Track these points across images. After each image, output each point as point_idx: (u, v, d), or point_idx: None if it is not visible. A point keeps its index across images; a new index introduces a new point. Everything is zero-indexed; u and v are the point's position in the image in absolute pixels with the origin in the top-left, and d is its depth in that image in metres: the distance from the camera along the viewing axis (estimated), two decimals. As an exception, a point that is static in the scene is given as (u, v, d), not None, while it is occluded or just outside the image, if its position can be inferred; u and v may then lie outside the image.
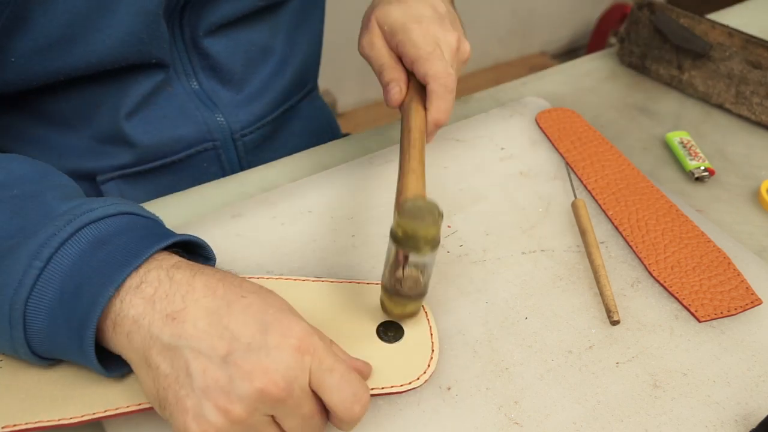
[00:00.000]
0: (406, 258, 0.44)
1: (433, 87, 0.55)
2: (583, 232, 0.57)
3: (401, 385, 0.45)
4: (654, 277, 0.55)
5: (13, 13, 0.51)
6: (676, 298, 0.53)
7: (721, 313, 0.52)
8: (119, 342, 0.40)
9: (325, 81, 0.89)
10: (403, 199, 0.47)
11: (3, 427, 0.41)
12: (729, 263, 0.56)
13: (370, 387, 0.44)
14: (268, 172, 0.64)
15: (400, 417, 0.45)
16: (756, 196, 0.65)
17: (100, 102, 0.61)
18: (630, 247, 0.57)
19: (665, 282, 0.54)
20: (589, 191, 0.62)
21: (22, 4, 0.51)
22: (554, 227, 0.59)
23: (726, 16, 0.89)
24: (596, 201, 0.61)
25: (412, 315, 0.48)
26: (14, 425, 0.41)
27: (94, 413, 0.42)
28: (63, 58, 0.55)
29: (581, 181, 0.63)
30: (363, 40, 0.59)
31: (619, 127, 0.72)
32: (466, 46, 0.59)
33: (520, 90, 0.77)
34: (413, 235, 0.42)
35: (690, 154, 0.67)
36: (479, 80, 1.97)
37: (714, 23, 0.74)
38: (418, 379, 0.46)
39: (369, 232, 0.57)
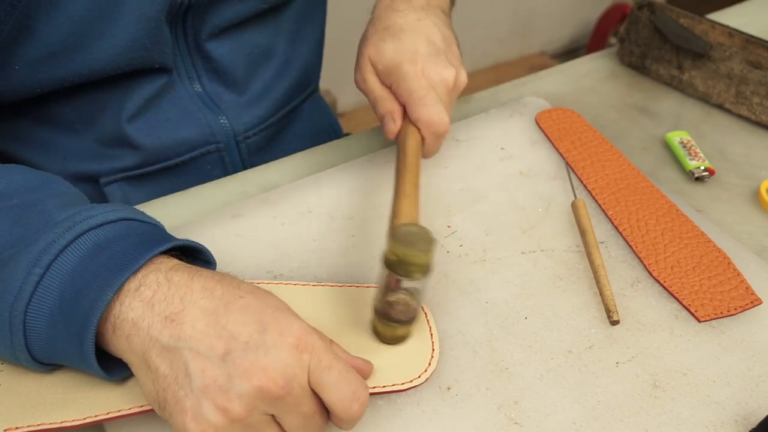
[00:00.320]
0: (398, 282, 0.44)
1: (425, 133, 0.57)
2: (583, 232, 0.57)
3: (402, 384, 0.45)
4: (654, 277, 0.55)
5: (17, 22, 0.51)
6: (676, 298, 0.53)
7: (721, 313, 0.52)
8: (119, 345, 0.40)
9: (325, 81, 0.89)
10: (396, 224, 0.47)
11: (5, 430, 0.41)
12: (729, 263, 0.56)
13: (371, 386, 0.44)
14: (268, 172, 0.64)
15: (400, 417, 0.45)
16: (756, 196, 0.65)
17: (104, 106, 0.61)
18: (630, 247, 0.57)
19: (665, 282, 0.54)
20: (589, 191, 0.62)
21: (26, 13, 0.51)
22: (554, 227, 0.59)
23: (726, 16, 0.89)
24: (596, 201, 0.62)
25: (403, 339, 0.48)
26: (16, 428, 0.41)
27: (95, 415, 0.42)
28: (66, 66, 0.55)
29: (581, 181, 0.63)
30: (357, 75, 0.61)
31: (619, 127, 0.72)
32: (463, 77, 0.59)
33: (520, 90, 0.77)
34: (405, 261, 0.42)
35: (690, 154, 0.67)
36: (479, 80, 1.97)
37: (714, 23, 0.74)
38: (419, 377, 0.46)
39: (369, 232, 0.57)
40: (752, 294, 0.53)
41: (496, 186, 0.62)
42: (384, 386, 0.45)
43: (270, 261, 0.54)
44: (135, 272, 0.40)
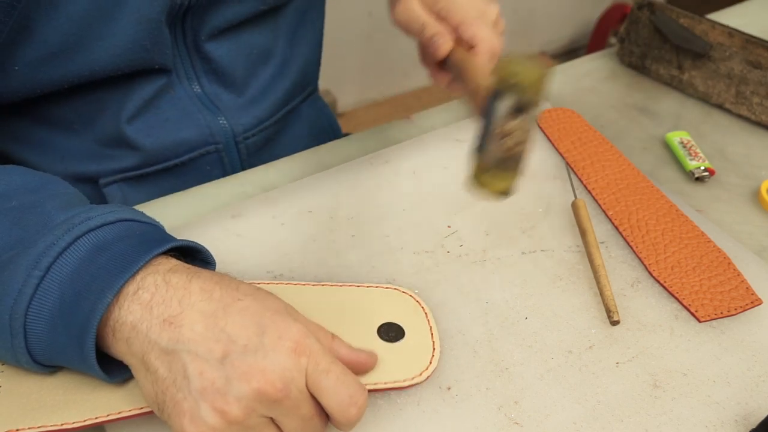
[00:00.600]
0: (513, 112, 0.42)
1: (481, 49, 0.54)
2: (583, 232, 0.57)
3: (404, 380, 0.45)
4: (654, 277, 0.55)
5: (17, 23, 0.51)
6: (676, 298, 0.53)
7: (721, 313, 0.52)
8: (119, 348, 0.40)
9: (325, 81, 0.89)
10: (503, 57, 0.45)
11: None
12: (729, 263, 0.56)
13: (373, 382, 0.44)
14: (268, 172, 0.64)
15: (400, 417, 0.45)
16: (756, 196, 0.65)
17: (103, 107, 0.61)
18: (630, 247, 0.57)
19: (665, 282, 0.54)
20: (589, 191, 0.62)
21: (25, 14, 0.51)
22: (554, 227, 0.59)
23: (726, 16, 0.89)
24: (596, 201, 0.61)
25: (509, 191, 0.45)
26: (17, 430, 0.41)
27: (96, 417, 0.42)
28: (66, 66, 0.55)
29: (581, 181, 0.63)
30: (398, 8, 0.59)
31: (619, 127, 0.72)
32: (503, 21, 0.60)
33: (520, 90, 0.76)
34: (521, 77, 0.41)
35: (690, 154, 0.67)
36: (479, 80, 1.97)
37: (714, 23, 0.74)
38: (420, 374, 0.46)
39: (369, 232, 0.57)
40: (752, 294, 0.53)
41: (496, 186, 0.62)
42: (386, 383, 0.45)
43: (270, 261, 0.54)
44: (134, 275, 0.40)
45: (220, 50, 0.65)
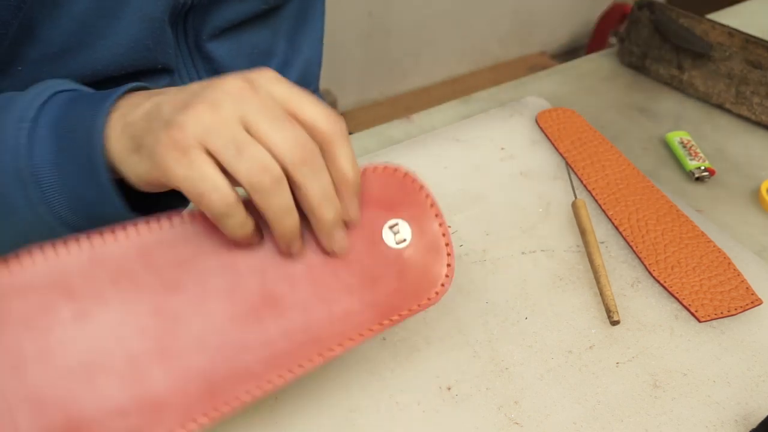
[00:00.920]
0: None
1: None
2: (583, 232, 0.57)
3: (428, 299, 0.40)
4: (654, 277, 0.55)
5: (21, 24, 0.51)
6: (676, 298, 0.53)
7: (721, 313, 0.52)
8: (117, 145, 0.40)
9: (325, 81, 0.90)
10: None
11: None
12: (729, 263, 0.56)
13: (398, 313, 0.40)
14: (268, 172, 0.64)
15: (400, 417, 0.45)
16: (756, 196, 0.65)
17: None
18: (630, 247, 0.57)
19: (665, 282, 0.54)
20: (589, 191, 0.62)
21: (29, 14, 0.51)
22: (554, 227, 0.59)
23: (726, 16, 0.89)
24: (596, 201, 0.62)
25: None
26: None
27: None
28: (69, 66, 0.55)
29: (581, 181, 0.63)
30: None
31: (619, 127, 0.72)
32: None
33: (520, 90, 0.77)
34: None
35: (690, 154, 0.67)
36: (479, 80, 1.97)
37: (714, 23, 0.74)
38: (443, 286, 0.41)
39: (369, 232, 0.57)
40: (752, 294, 0.53)
41: (496, 186, 0.62)
42: (410, 310, 0.40)
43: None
44: (114, 101, 0.42)
45: (221, 50, 0.65)
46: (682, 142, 0.68)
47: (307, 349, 0.37)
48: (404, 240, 0.41)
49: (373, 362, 0.48)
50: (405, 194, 0.42)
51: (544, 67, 0.98)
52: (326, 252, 0.40)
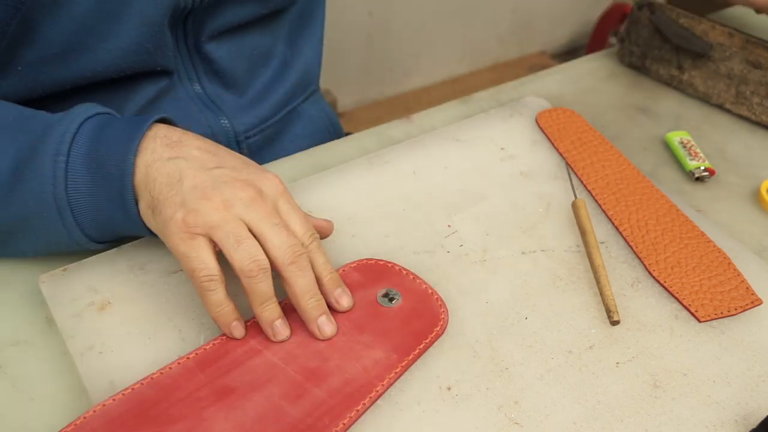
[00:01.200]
0: None
1: None
2: (583, 232, 0.57)
3: (429, 338, 0.49)
4: (654, 277, 0.55)
5: (21, 24, 0.51)
6: (676, 298, 0.53)
7: (721, 313, 0.52)
8: (140, 202, 0.47)
9: (325, 81, 0.89)
10: None
11: None
12: (729, 263, 0.56)
13: (417, 348, 0.48)
14: (268, 172, 0.64)
15: (400, 417, 0.45)
16: (756, 196, 0.65)
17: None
18: (630, 247, 0.57)
19: (665, 282, 0.54)
20: (589, 191, 0.62)
21: (29, 15, 0.51)
22: (554, 227, 0.59)
23: (726, 16, 0.89)
24: (596, 201, 0.61)
25: None
26: None
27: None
28: (69, 68, 0.55)
29: (581, 181, 0.63)
30: None
31: (619, 127, 0.72)
32: None
33: (520, 90, 0.77)
34: None
35: (690, 154, 0.67)
36: (479, 80, 1.97)
37: (714, 23, 0.74)
38: (443, 318, 0.50)
39: (369, 232, 0.57)
40: (752, 294, 0.53)
41: (496, 186, 0.62)
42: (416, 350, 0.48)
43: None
44: (144, 133, 0.47)
45: (220, 51, 0.65)
46: (682, 142, 0.68)
47: (355, 397, 0.44)
48: (396, 299, 0.50)
49: (373, 362, 0.48)
50: (381, 272, 0.52)
51: (544, 67, 0.98)
52: (341, 330, 0.48)
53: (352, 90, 1.82)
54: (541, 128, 0.69)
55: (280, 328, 0.47)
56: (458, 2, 1.84)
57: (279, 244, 0.45)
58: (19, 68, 0.54)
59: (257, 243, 0.45)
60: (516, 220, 0.59)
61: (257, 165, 0.50)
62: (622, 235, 0.58)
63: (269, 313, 0.46)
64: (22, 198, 0.47)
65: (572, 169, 0.65)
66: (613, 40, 2.00)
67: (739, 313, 0.52)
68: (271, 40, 0.69)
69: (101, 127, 0.48)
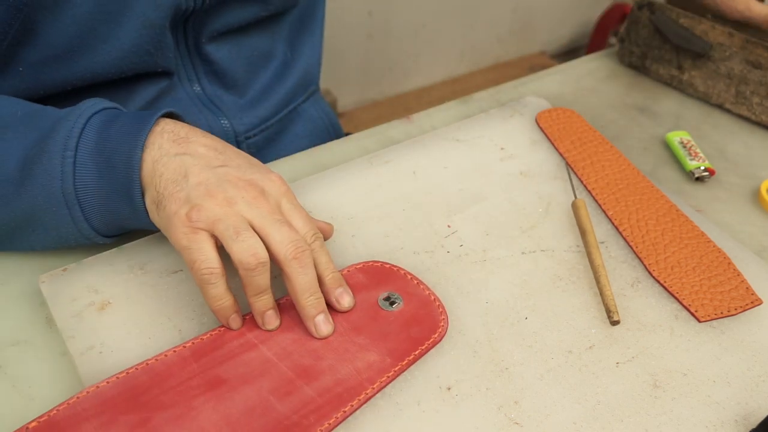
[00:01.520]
0: None
1: None
2: (583, 232, 0.57)
3: (424, 346, 0.48)
4: (654, 277, 0.55)
5: (22, 25, 0.51)
6: (676, 298, 0.53)
7: (721, 313, 0.52)
8: (147, 197, 0.48)
9: (325, 81, 0.90)
10: None
11: None
12: (729, 263, 0.56)
13: (413, 354, 0.48)
14: (268, 172, 0.64)
15: (400, 417, 0.45)
16: (756, 196, 0.65)
17: None
18: (630, 247, 0.57)
19: (665, 282, 0.54)
20: (589, 191, 0.62)
21: (31, 16, 0.51)
22: (554, 227, 0.59)
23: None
24: (596, 201, 0.61)
25: None
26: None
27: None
28: (69, 69, 0.55)
29: (581, 181, 0.63)
30: (739, 6, 0.73)
31: (619, 127, 0.72)
32: None
33: (520, 90, 0.77)
34: None
35: (690, 154, 0.67)
36: (479, 80, 1.97)
37: (714, 23, 0.74)
38: (442, 325, 0.49)
39: (369, 232, 0.57)
40: (752, 294, 0.53)
41: (496, 186, 0.62)
42: (414, 354, 0.48)
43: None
44: (151, 128, 0.48)
45: (220, 52, 0.65)
46: (682, 142, 0.68)
47: (344, 398, 0.44)
48: (397, 303, 0.50)
49: (373, 362, 0.48)
50: (386, 275, 0.52)
51: (544, 67, 0.98)
52: (338, 330, 0.48)
53: (352, 90, 1.82)
54: (541, 128, 0.69)
55: (270, 318, 0.47)
56: (458, 2, 1.84)
57: (281, 239, 0.45)
58: (20, 69, 0.54)
59: (258, 237, 0.45)
60: (516, 220, 0.59)
61: (262, 164, 0.51)
62: (622, 235, 0.58)
63: (262, 303, 0.47)
64: (31, 193, 0.48)
65: (572, 169, 0.65)
66: (613, 40, 2.00)
67: (739, 313, 0.52)
68: (272, 42, 0.69)
69: (109, 122, 0.48)
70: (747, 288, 0.54)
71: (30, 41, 0.53)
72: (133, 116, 0.49)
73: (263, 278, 0.46)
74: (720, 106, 0.75)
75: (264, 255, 0.45)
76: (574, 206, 0.60)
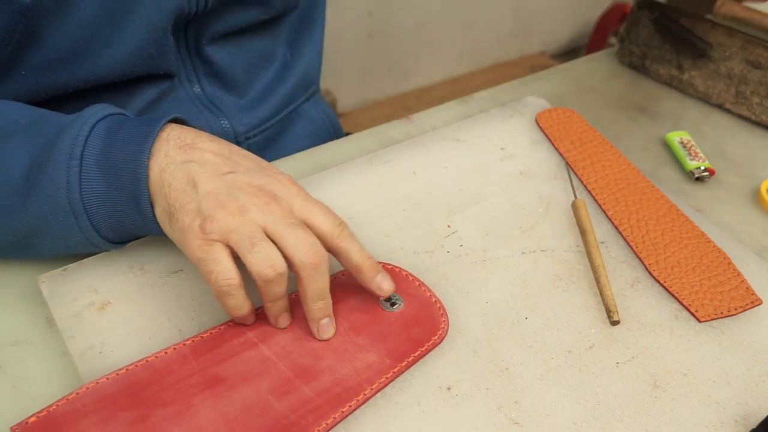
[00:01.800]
0: None
1: None
2: (583, 232, 0.57)
3: (425, 347, 0.48)
4: (654, 277, 0.55)
5: (26, 29, 0.51)
6: (676, 298, 0.53)
7: (721, 313, 0.52)
8: (156, 207, 0.47)
9: (325, 81, 0.90)
10: None
11: None
12: (729, 263, 0.56)
13: (412, 355, 0.48)
14: (268, 172, 0.64)
15: (400, 417, 0.45)
16: (756, 196, 0.65)
17: None
18: (630, 247, 0.57)
19: (665, 282, 0.54)
20: (589, 191, 0.62)
21: (35, 20, 0.51)
22: (554, 227, 0.59)
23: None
24: (596, 201, 0.61)
25: None
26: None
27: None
28: (72, 72, 0.55)
29: (581, 181, 0.63)
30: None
31: (619, 127, 0.72)
32: None
33: (520, 90, 0.77)
34: None
35: (690, 154, 0.67)
36: (479, 80, 1.97)
37: (714, 23, 0.74)
38: (443, 327, 0.49)
39: (369, 232, 0.57)
40: (752, 294, 0.53)
41: (496, 186, 0.62)
42: (413, 355, 0.48)
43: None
44: (156, 136, 0.47)
45: (220, 53, 0.65)
46: (682, 142, 0.68)
47: (342, 398, 0.44)
48: (398, 304, 0.50)
49: (373, 362, 0.48)
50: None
51: (544, 67, 0.98)
52: (339, 330, 0.48)
53: (352, 90, 1.82)
54: (541, 128, 0.69)
55: (284, 320, 0.48)
56: (458, 2, 1.84)
57: (295, 242, 0.45)
58: (23, 72, 0.54)
59: (274, 246, 0.45)
60: (516, 220, 0.59)
61: (270, 165, 0.50)
62: (622, 235, 0.58)
63: (278, 307, 0.47)
64: (38, 203, 0.47)
65: (572, 169, 0.65)
66: (613, 40, 2.00)
67: (739, 313, 0.52)
68: (272, 43, 0.69)
69: (114, 129, 0.48)
70: (747, 288, 0.54)
71: (34, 45, 0.53)
72: (138, 122, 0.48)
73: (281, 288, 0.45)
74: (720, 106, 0.75)
75: (282, 265, 0.44)
76: (574, 206, 0.60)
